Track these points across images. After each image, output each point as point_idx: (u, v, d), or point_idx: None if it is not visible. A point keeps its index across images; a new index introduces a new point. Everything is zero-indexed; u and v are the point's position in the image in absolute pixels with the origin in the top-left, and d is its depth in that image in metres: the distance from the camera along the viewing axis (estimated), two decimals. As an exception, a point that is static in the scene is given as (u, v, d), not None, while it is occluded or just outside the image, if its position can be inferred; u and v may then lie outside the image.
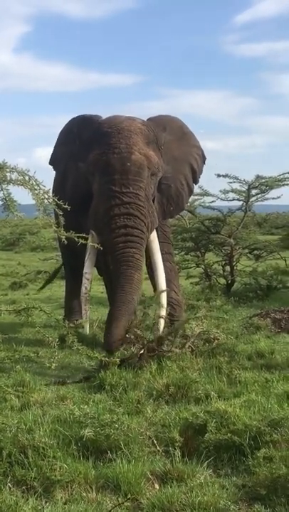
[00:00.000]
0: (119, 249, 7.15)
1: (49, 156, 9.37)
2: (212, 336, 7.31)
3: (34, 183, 4.82)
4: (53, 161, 9.01)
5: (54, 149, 9.17)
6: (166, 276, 7.88)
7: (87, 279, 7.77)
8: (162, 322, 7.43)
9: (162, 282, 7.83)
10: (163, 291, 7.69)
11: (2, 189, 4.70)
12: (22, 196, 4.78)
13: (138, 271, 7.15)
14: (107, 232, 7.25)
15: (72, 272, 10.26)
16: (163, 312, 7.52)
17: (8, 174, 4.74)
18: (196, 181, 8.95)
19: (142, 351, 6.87)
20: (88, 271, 7.80)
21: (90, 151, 7.75)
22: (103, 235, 7.34)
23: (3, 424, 4.59)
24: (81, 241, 5.13)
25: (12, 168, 4.75)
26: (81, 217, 7.54)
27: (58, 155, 8.88)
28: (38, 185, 4.84)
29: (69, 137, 8.59)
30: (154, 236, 7.83)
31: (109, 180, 7.35)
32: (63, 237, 5.07)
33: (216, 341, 7.24)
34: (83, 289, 7.69)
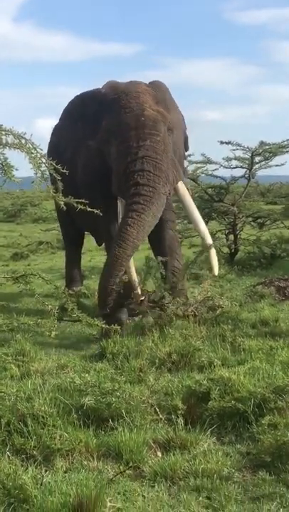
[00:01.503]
0: (127, 208, 7.14)
1: (50, 132, 9.38)
2: (216, 304, 7.22)
3: (31, 146, 4.65)
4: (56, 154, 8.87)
5: (53, 144, 9.16)
6: (168, 244, 7.82)
7: (131, 267, 7.60)
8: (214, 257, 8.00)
9: (203, 226, 8.14)
10: (206, 232, 8.06)
11: (-2, 153, 4.54)
12: (22, 169, 4.63)
13: (136, 229, 6.99)
14: (125, 189, 7.22)
15: (70, 241, 10.24)
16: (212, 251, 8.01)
17: (3, 137, 4.58)
18: (187, 148, 8.95)
19: (142, 298, 6.97)
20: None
21: (100, 123, 7.73)
22: (123, 194, 7.35)
23: (1, 392, 4.50)
24: (80, 207, 4.99)
25: (7, 131, 4.58)
26: (95, 192, 7.56)
27: (61, 146, 8.76)
28: (35, 149, 4.68)
29: (70, 123, 8.64)
30: (184, 190, 7.93)
31: (125, 138, 7.29)
32: (62, 202, 4.92)
33: (220, 309, 7.15)
34: (130, 275, 7.46)
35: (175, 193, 7.90)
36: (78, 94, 8.84)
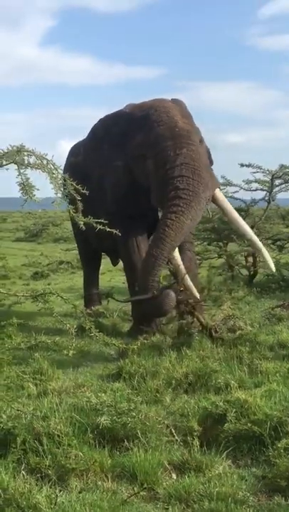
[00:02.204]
0: (166, 211, 7.23)
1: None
2: (236, 325, 7.21)
3: (52, 167, 4.71)
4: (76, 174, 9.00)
5: (72, 164, 9.25)
6: (186, 266, 7.87)
7: (177, 256, 7.62)
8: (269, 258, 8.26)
9: (248, 230, 8.22)
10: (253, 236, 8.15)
11: (20, 173, 4.60)
12: (45, 189, 4.69)
13: (175, 231, 7.10)
14: (166, 199, 7.30)
15: (88, 262, 10.35)
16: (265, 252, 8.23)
17: (26, 158, 4.64)
18: (212, 162, 8.91)
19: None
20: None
21: (129, 141, 7.91)
22: (163, 203, 7.42)
23: (18, 411, 4.52)
24: (99, 227, 5.02)
25: (30, 152, 4.64)
26: (124, 208, 7.96)
27: (83, 166, 8.90)
28: (56, 170, 4.73)
29: (96, 145, 8.75)
30: (222, 196, 8.06)
31: (162, 148, 7.44)
32: (81, 222, 4.96)
33: (240, 331, 7.14)
34: (176, 263, 7.52)
35: (213, 201, 7.96)
36: (97, 122, 9.08)
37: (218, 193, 7.96)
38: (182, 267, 7.35)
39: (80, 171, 8.68)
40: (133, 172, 7.99)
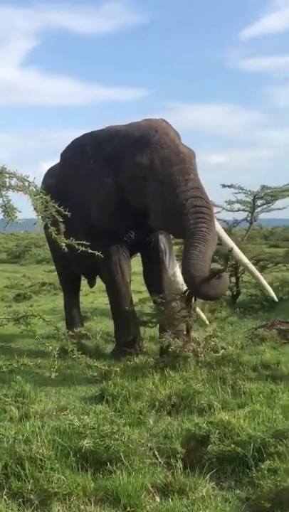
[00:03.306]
0: (190, 225, 7.18)
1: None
2: (218, 346, 7.22)
3: (34, 189, 4.72)
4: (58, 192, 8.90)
5: (60, 176, 9.09)
6: (165, 285, 7.90)
7: (179, 276, 7.70)
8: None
9: (243, 258, 8.45)
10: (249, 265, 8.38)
11: (2, 195, 4.59)
12: (27, 210, 4.69)
13: (207, 243, 7.12)
14: (179, 218, 7.26)
15: (67, 283, 10.33)
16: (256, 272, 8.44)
17: (7, 180, 4.64)
18: None
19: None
20: (175, 269, 7.91)
21: (124, 159, 7.84)
22: (175, 224, 7.42)
23: (0, 435, 4.47)
24: (82, 248, 5.01)
25: (11, 174, 4.65)
26: (114, 227, 7.98)
27: (68, 184, 8.75)
28: (38, 191, 4.74)
29: (81, 159, 8.54)
30: (218, 225, 8.05)
31: (170, 173, 7.42)
32: (63, 244, 4.96)
33: (223, 350, 7.14)
34: (180, 286, 7.62)
35: None
36: (85, 134, 8.78)
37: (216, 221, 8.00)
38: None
39: (57, 191, 8.62)
40: (125, 191, 7.94)
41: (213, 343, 7.33)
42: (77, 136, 8.95)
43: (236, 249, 8.32)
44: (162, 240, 7.86)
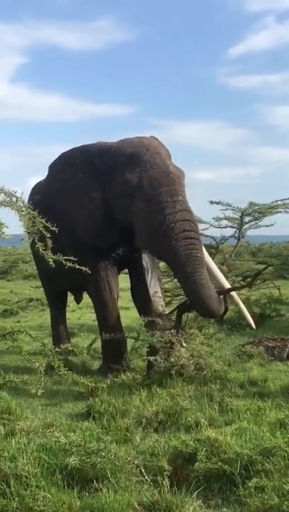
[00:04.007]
0: (183, 253, 7.19)
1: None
2: (203, 363, 7.19)
3: (21, 204, 4.72)
4: (45, 201, 8.89)
5: (47, 188, 9.09)
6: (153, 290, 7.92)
7: (160, 297, 7.74)
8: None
9: (224, 281, 8.34)
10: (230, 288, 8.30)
11: (-11, 211, 4.59)
12: (14, 226, 4.69)
13: (204, 268, 7.26)
14: (166, 242, 7.28)
15: (53, 299, 10.30)
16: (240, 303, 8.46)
17: (-6, 195, 4.65)
18: None
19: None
20: (156, 289, 7.83)
21: (114, 175, 7.82)
22: (161, 246, 7.40)
23: (-15, 452, 4.43)
24: (69, 264, 5.01)
25: (-1, 189, 4.66)
26: (100, 241, 7.99)
27: (56, 192, 8.74)
28: (25, 207, 4.74)
29: (69, 173, 8.52)
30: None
31: (158, 193, 7.40)
32: (51, 260, 4.96)
33: (208, 369, 7.13)
34: (159, 307, 7.60)
35: None
36: (75, 148, 8.76)
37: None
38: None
39: (45, 204, 8.63)
40: (112, 206, 7.94)
41: (197, 360, 7.29)
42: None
43: (218, 273, 8.32)
44: (145, 258, 7.85)
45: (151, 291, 7.76)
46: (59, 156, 8.98)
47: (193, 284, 7.10)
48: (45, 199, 8.76)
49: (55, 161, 9.04)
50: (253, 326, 8.59)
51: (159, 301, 7.59)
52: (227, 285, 8.33)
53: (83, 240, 8.13)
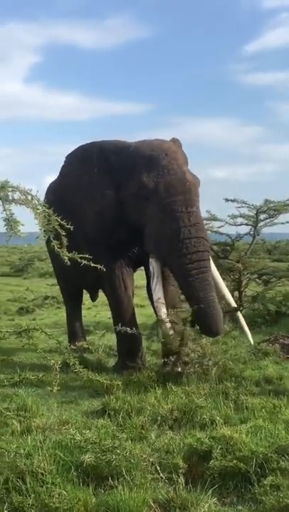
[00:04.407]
0: (194, 275, 7.31)
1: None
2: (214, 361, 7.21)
3: (37, 202, 4.72)
4: (59, 195, 8.98)
5: (62, 181, 9.15)
6: (169, 299, 7.87)
7: (163, 303, 7.68)
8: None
9: (226, 291, 8.43)
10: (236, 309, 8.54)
11: (5, 209, 4.60)
12: (29, 224, 4.69)
13: (213, 290, 7.43)
14: (177, 256, 7.38)
15: (69, 297, 10.31)
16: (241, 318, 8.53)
17: (10, 194, 4.65)
18: None
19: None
20: (160, 295, 7.77)
21: (130, 175, 7.83)
22: (171, 257, 7.50)
23: (1, 448, 4.46)
24: (84, 262, 5.01)
25: (14, 188, 4.65)
26: (108, 237, 8.05)
27: (70, 186, 8.83)
28: (41, 205, 4.74)
29: (85, 166, 8.57)
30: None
31: (173, 201, 7.45)
32: (66, 258, 4.95)
33: (216, 366, 7.14)
34: (162, 314, 7.56)
35: None
36: (94, 142, 8.77)
37: None
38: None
39: (59, 195, 8.78)
40: (125, 206, 7.98)
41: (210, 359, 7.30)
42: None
43: (223, 287, 8.40)
44: (152, 263, 7.81)
45: (155, 297, 7.73)
46: (77, 148, 9.02)
47: (210, 314, 7.27)
48: (59, 191, 8.93)
49: (72, 152, 9.10)
50: (252, 341, 8.60)
51: (162, 308, 7.58)
52: (230, 297, 8.52)
53: (91, 236, 8.17)
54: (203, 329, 7.36)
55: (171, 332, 7.32)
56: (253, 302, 12.88)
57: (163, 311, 7.51)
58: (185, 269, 7.32)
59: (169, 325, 7.34)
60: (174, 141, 8.42)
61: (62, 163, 9.42)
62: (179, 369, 7.17)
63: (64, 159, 9.37)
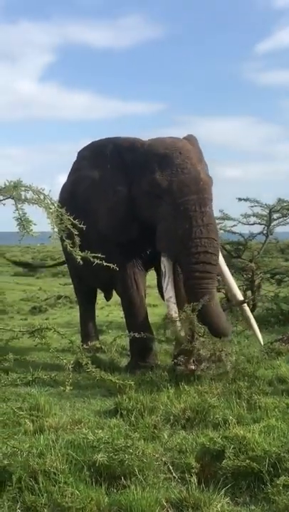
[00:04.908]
0: (196, 279, 7.36)
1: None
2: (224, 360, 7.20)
3: (49, 202, 4.73)
4: (71, 190, 9.05)
5: (74, 176, 9.18)
6: (182, 298, 7.87)
7: (174, 303, 7.71)
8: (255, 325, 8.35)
9: (233, 284, 8.44)
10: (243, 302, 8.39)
11: (17, 208, 4.61)
12: (41, 223, 4.69)
13: (214, 299, 7.46)
14: (185, 254, 7.39)
15: (83, 297, 10.31)
16: (249, 314, 8.43)
17: (23, 193, 4.66)
18: None
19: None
20: (171, 294, 7.80)
21: (143, 173, 7.83)
22: (180, 256, 7.53)
23: (14, 448, 4.47)
24: (96, 261, 5.01)
25: (27, 187, 4.66)
26: (120, 237, 8.11)
27: (82, 181, 8.85)
28: (53, 204, 4.75)
29: (98, 162, 8.58)
30: (221, 257, 8.06)
31: (187, 200, 7.44)
32: (78, 257, 4.95)
33: (227, 365, 7.12)
34: (172, 313, 7.57)
35: None
36: (107, 138, 8.75)
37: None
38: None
39: (71, 191, 8.90)
40: (137, 203, 7.99)
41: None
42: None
43: (234, 286, 8.45)
44: (164, 262, 7.81)
45: (166, 296, 7.75)
46: (90, 144, 9.04)
47: (215, 319, 7.40)
48: (71, 187, 9.05)
49: (85, 147, 9.12)
50: (261, 342, 8.49)
51: (172, 307, 7.58)
52: (238, 293, 8.45)
53: (104, 233, 8.18)
54: (210, 331, 7.38)
55: (181, 331, 7.30)
56: (266, 301, 12.86)
57: (174, 310, 7.51)
58: (189, 268, 7.36)
59: (179, 324, 7.32)
60: (190, 137, 8.40)
61: (75, 159, 9.44)
62: (193, 367, 7.16)
63: (76, 155, 9.38)
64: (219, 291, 13.27)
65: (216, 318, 7.34)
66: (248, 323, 8.47)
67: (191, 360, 7.19)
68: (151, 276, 9.38)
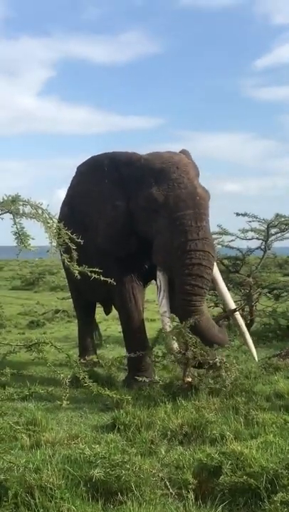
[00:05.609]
0: (187, 295, 7.36)
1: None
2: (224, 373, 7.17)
3: (47, 216, 4.73)
4: (70, 204, 9.09)
5: (73, 191, 9.22)
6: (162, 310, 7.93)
7: (168, 317, 7.73)
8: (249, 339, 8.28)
9: (231, 303, 8.36)
10: (235, 311, 8.27)
11: (15, 223, 4.61)
12: (39, 238, 4.70)
13: (204, 314, 7.44)
14: (180, 265, 7.38)
15: (81, 311, 10.31)
16: (244, 329, 8.29)
17: (21, 207, 4.66)
18: None
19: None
20: (166, 309, 7.79)
21: (140, 187, 7.84)
22: (174, 268, 7.51)
23: (10, 463, 4.44)
24: (94, 276, 5.01)
25: (25, 201, 4.67)
26: (118, 248, 8.11)
27: (81, 196, 8.88)
28: (51, 219, 4.75)
29: (96, 177, 8.59)
30: (215, 268, 8.02)
31: (183, 215, 7.43)
32: (76, 271, 4.95)
33: (226, 378, 7.09)
34: (166, 328, 7.58)
35: None
36: (105, 153, 8.77)
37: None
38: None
39: (71, 206, 8.92)
40: (134, 217, 8.00)
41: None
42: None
43: (228, 297, 8.43)
44: (159, 277, 7.82)
45: (160, 310, 7.78)
46: (89, 159, 9.07)
47: (211, 332, 7.47)
48: (70, 201, 9.11)
49: (84, 162, 9.14)
50: (256, 358, 8.44)
51: (167, 322, 7.59)
52: (232, 305, 8.37)
53: (102, 247, 8.20)
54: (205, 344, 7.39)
55: (174, 346, 7.29)
56: (263, 316, 12.84)
57: (168, 325, 7.52)
58: (182, 280, 7.37)
59: (173, 338, 7.31)
60: (184, 152, 8.42)
61: (74, 174, 9.47)
62: (189, 379, 7.14)
63: (75, 170, 9.42)
64: (217, 307, 13.33)
65: (206, 332, 7.34)
66: (243, 339, 8.42)
67: (187, 373, 7.18)
68: (149, 290, 9.38)
